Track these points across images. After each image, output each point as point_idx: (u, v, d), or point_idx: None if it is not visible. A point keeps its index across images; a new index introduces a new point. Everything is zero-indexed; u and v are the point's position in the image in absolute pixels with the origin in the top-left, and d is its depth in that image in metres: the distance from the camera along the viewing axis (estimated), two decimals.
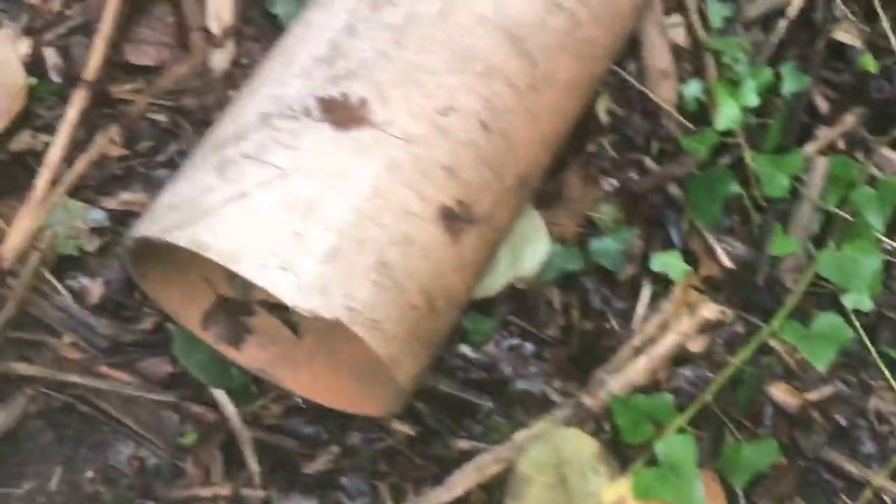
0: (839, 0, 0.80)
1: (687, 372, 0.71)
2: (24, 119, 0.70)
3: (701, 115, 0.77)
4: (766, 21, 0.80)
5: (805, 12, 0.80)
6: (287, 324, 0.67)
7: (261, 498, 0.66)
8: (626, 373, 0.68)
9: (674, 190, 0.76)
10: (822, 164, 0.75)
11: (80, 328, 0.68)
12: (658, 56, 0.79)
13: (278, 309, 0.66)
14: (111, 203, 0.71)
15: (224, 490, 0.66)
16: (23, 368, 0.66)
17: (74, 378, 0.66)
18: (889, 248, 0.74)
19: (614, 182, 0.76)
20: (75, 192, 0.70)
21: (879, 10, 0.80)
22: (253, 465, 0.67)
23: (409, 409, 0.68)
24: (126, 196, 0.71)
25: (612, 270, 0.72)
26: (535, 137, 0.60)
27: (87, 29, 0.73)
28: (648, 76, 0.79)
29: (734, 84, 0.77)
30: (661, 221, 0.75)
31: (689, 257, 0.74)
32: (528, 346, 0.71)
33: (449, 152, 0.56)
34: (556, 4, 0.60)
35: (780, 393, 0.72)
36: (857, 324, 0.72)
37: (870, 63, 0.78)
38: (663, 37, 0.80)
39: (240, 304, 0.66)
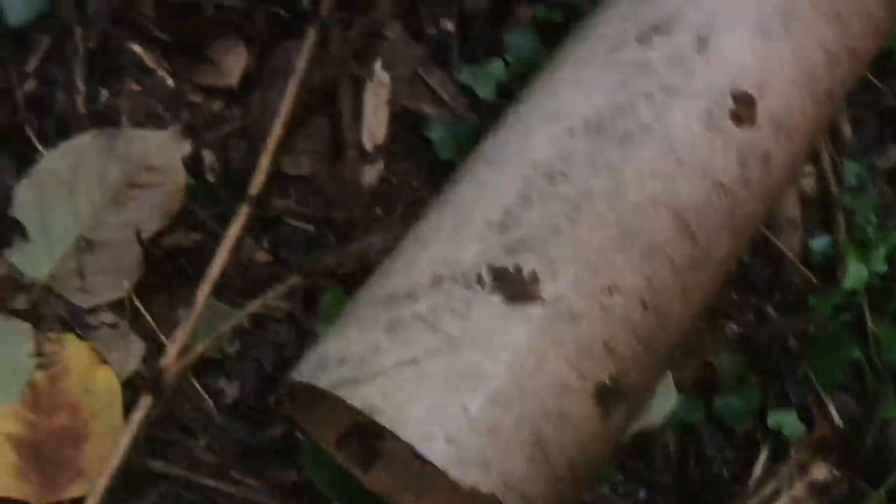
0: None
1: None
2: (178, 217, 0.73)
3: (826, 269, 0.79)
4: None
5: None
6: (414, 452, 0.69)
7: None
8: None
9: (792, 342, 0.77)
10: None
11: (216, 431, 0.70)
12: (788, 204, 0.81)
13: None
14: (253, 306, 0.73)
15: None
16: (159, 466, 0.69)
17: (207, 480, 0.69)
18: None
19: (735, 328, 0.77)
20: (220, 293, 0.73)
21: None
22: None
23: None
24: (267, 301, 0.73)
25: (731, 425, 0.74)
26: (686, 312, 0.62)
27: (245, 133, 0.75)
28: (776, 223, 0.80)
29: (864, 246, 0.78)
30: (778, 373, 0.77)
31: (804, 413, 0.76)
32: (642, 491, 0.73)
33: (609, 329, 0.58)
34: (722, 186, 0.62)
35: None
36: None
37: None
38: (794, 185, 0.81)
39: (373, 429, 0.68)
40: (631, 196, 0.59)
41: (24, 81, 0.74)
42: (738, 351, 0.76)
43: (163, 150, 0.72)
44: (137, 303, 0.71)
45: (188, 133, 0.75)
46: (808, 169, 0.82)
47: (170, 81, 0.75)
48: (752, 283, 0.79)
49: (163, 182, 0.72)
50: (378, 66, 0.77)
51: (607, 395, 0.58)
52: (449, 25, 0.79)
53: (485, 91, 0.76)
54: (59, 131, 0.74)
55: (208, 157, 0.75)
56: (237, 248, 0.72)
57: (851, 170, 0.81)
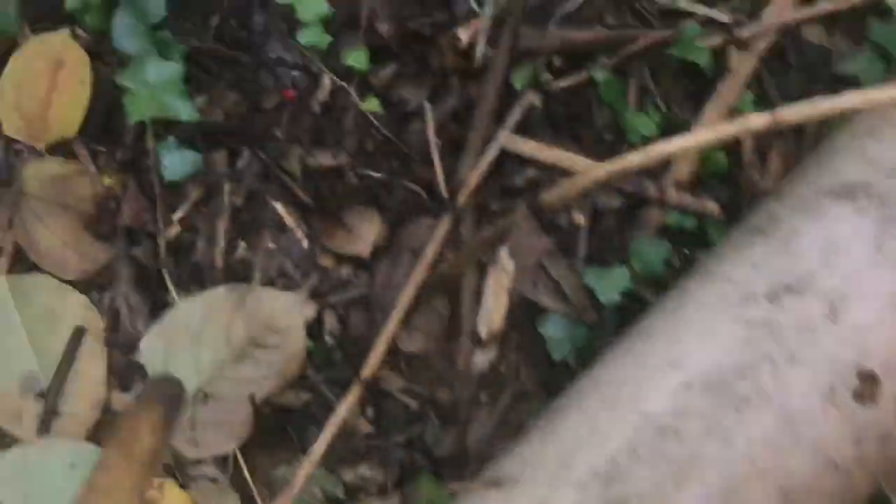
0: None
1: None
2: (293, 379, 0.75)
3: None
4: None
5: None
6: None
7: None
8: None
9: None
10: None
11: None
12: None
13: None
14: (348, 475, 0.75)
15: None
16: None
17: None
18: None
19: None
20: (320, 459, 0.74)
21: None
22: None
23: None
24: (363, 471, 0.75)
25: None
26: None
27: (367, 302, 0.78)
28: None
29: None
30: None
31: None
32: None
33: None
34: (834, 465, 0.61)
35: None
36: None
37: None
38: None
39: None
40: (740, 467, 0.59)
41: (169, 227, 0.77)
42: None
43: (288, 313, 0.75)
44: (240, 459, 0.73)
45: (314, 295, 0.77)
46: None
47: (304, 243, 0.78)
48: None
49: (284, 344, 0.74)
50: (504, 252, 0.78)
51: None
52: (579, 219, 0.80)
53: (607, 297, 0.76)
54: (194, 278, 0.77)
55: (329, 320, 0.77)
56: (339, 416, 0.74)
57: None
